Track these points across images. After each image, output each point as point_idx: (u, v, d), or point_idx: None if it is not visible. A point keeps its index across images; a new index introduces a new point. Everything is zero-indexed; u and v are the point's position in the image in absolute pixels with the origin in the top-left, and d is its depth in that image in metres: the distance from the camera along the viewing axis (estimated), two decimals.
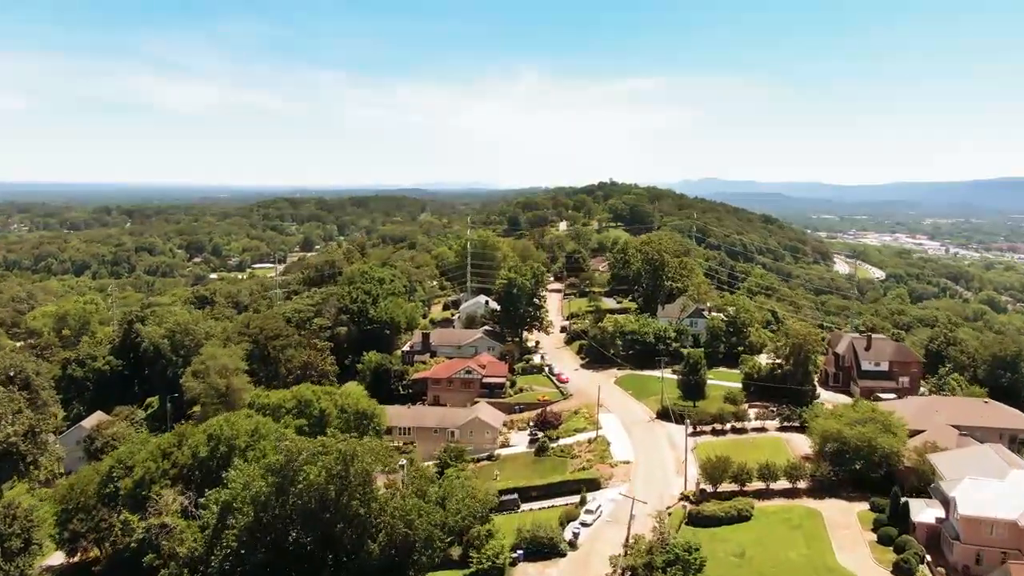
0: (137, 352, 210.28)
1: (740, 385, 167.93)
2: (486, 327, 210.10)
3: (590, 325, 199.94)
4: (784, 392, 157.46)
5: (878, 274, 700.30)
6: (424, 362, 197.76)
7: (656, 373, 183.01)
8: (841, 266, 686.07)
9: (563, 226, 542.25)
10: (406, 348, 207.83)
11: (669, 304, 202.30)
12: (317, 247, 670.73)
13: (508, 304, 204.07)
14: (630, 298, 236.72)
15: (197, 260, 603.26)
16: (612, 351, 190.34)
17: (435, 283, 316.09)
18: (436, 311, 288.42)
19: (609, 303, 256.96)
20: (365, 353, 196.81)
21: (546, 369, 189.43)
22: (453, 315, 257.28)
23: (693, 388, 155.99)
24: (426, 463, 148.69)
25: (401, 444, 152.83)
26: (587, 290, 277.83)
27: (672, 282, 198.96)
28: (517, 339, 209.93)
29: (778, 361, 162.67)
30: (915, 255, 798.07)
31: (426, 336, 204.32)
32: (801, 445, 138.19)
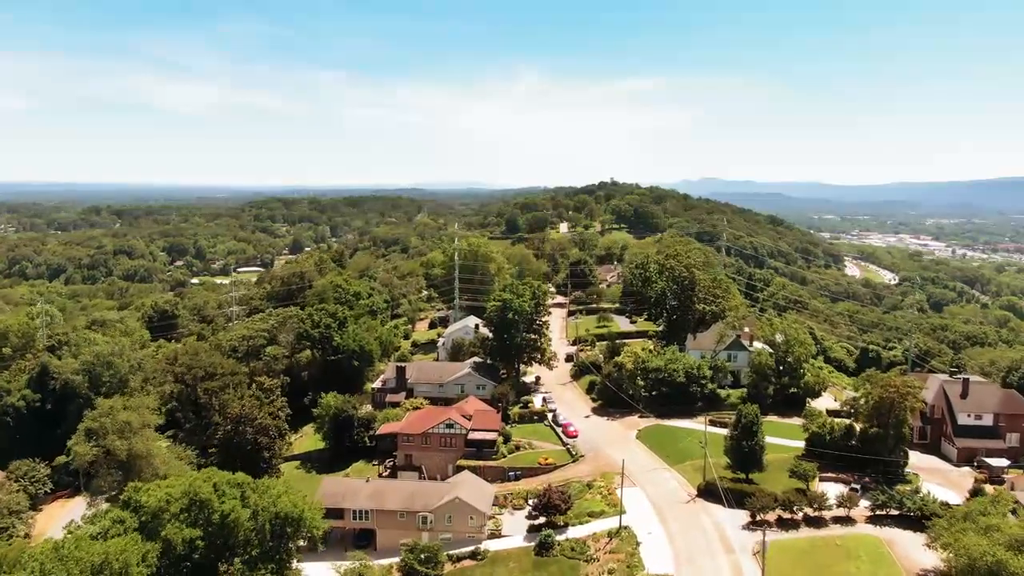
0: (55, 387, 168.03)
1: (802, 444, 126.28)
2: (475, 358, 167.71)
3: (603, 360, 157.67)
4: (864, 458, 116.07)
5: (887, 275, 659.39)
6: (397, 403, 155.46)
7: (688, 423, 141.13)
8: (851, 269, 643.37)
9: (563, 228, 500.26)
10: (377, 384, 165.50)
11: (701, 332, 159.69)
12: (307, 249, 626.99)
13: (502, 331, 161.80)
14: (646, 316, 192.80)
15: (179, 264, 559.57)
16: (631, 391, 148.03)
17: (425, 293, 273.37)
18: (421, 329, 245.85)
19: (620, 321, 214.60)
20: (324, 394, 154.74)
21: (549, 416, 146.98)
22: (439, 336, 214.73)
23: (747, 457, 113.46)
24: (387, 562, 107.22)
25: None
26: (595, 306, 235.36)
27: (704, 305, 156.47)
28: (513, 375, 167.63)
29: (846, 414, 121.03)
30: (925, 257, 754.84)
31: (401, 370, 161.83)
32: (909, 549, 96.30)
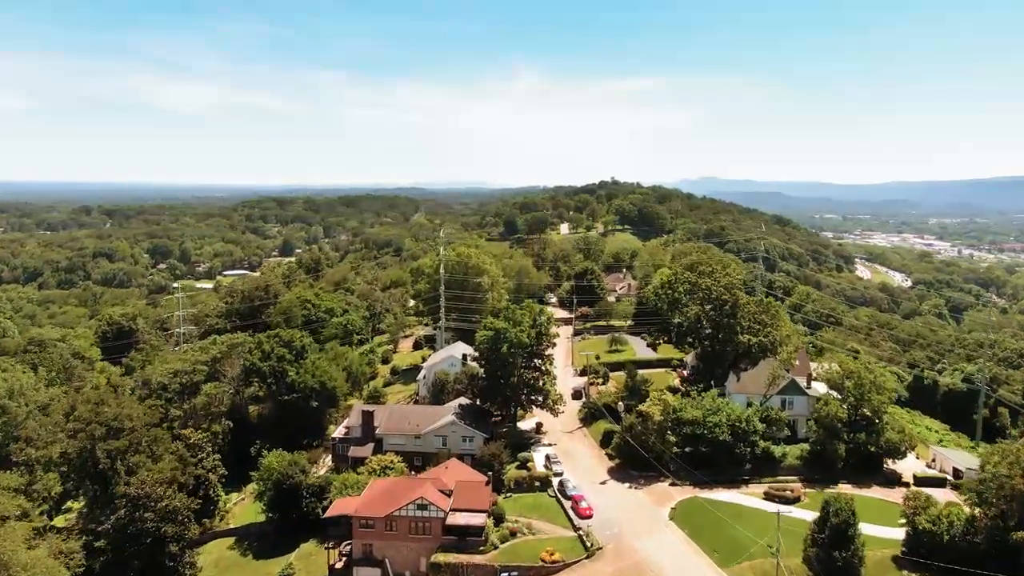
0: None
1: (894, 533, 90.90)
2: (462, 399, 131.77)
3: (621, 399, 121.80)
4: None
5: (896, 277, 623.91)
6: (363, 459, 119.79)
7: (735, 496, 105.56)
8: (861, 271, 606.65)
9: (564, 228, 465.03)
10: (339, 433, 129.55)
11: (744, 367, 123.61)
12: (298, 250, 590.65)
13: (495, 367, 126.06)
14: (665, 339, 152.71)
15: (162, 267, 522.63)
16: (659, 448, 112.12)
17: (413, 303, 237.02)
18: (406, 348, 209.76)
19: (636, 345, 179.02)
20: (266, 451, 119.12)
21: (555, 482, 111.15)
22: (423, 361, 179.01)
23: (839, 573, 77.62)
24: None
25: None
26: (605, 324, 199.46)
27: (749, 335, 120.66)
28: (508, 421, 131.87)
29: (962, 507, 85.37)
30: (936, 259, 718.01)
31: (367, 417, 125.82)
32: None
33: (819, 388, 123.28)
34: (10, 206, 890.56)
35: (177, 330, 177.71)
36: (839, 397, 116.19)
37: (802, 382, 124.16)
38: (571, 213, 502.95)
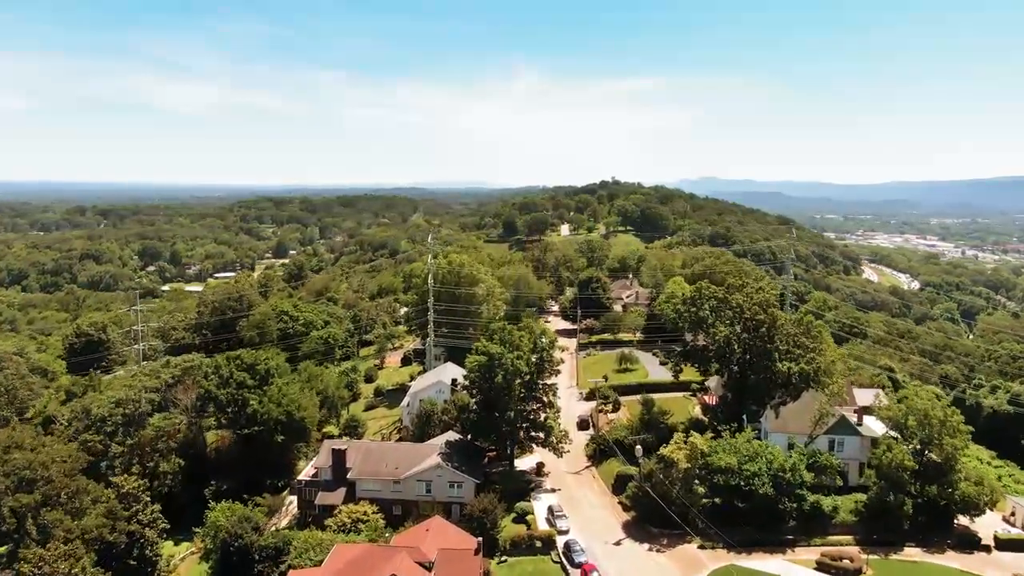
0: None
1: None
2: (450, 433, 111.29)
3: (640, 451, 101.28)
4: None
5: (902, 278, 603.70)
6: (333, 509, 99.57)
7: (780, 565, 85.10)
8: (867, 273, 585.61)
9: (565, 230, 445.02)
10: (306, 476, 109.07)
11: (784, 403, 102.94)
12: (292, 252, 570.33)
13: (489, 398, 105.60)
14: (689, 362, 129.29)
15: (151, 269, 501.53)
16: (687, 498, 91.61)
17: (404, 311, 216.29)
18: (393, 363, 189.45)
19: (647, 362, 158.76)
20: (213, 504, 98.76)
21: (560, 543, 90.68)
22: (411, 381, 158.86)
23: None
24: None
25: None
26: (612, 338, 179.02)
27: (789, 363, 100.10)
28: (504, 462, 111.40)
29: None
30: (942, 260, 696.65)
31: (338, 457, 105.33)
32: None
33: (872, 424, 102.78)
34: (4, 206, 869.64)
35: (136, 347, 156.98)
36: (894, 435, 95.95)
37: (850, 416, 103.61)
38: (572, 214, 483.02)
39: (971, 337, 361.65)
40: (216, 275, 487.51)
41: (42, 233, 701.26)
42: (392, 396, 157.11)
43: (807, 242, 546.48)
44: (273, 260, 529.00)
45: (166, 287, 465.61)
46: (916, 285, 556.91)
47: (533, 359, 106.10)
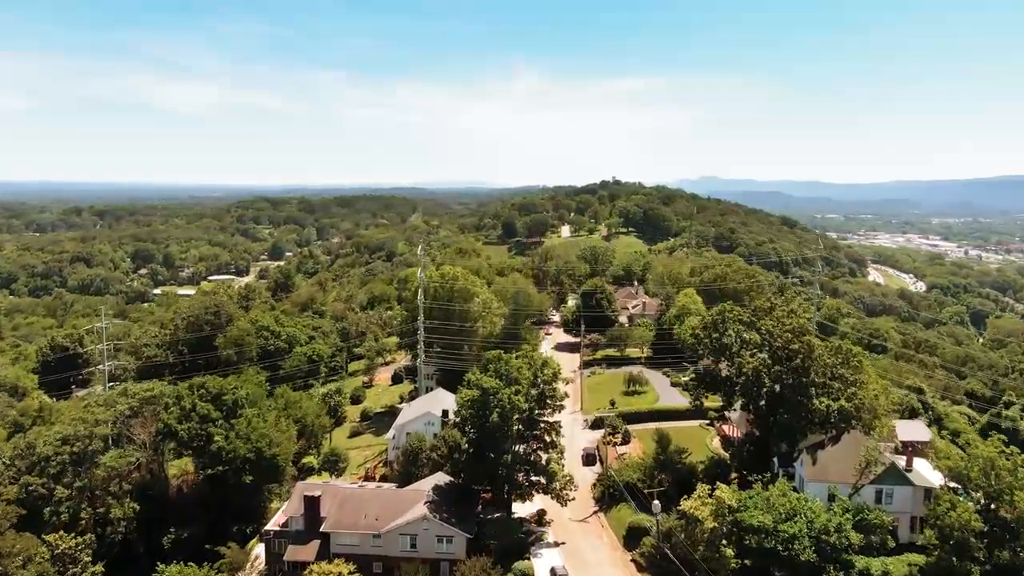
0: None
1: None
2: (440, 476, 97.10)
3: (658, 506, 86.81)
4: None
5: (907, 279, 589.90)
6: (305, 567, 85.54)
7: None
8: (873, 274, 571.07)
9: (565, 231, 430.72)
10: (276, 525, 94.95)
11: (822, 447, 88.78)
12: (288, 254, 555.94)
13: (481, 438, 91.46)
14: (701, 385, 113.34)
15: (143, 272, 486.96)
16: (714, 562, 77.51)
17: (397, 321, 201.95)
18: (383, 380, 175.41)
19: (657, 383, 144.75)
20: (162, 566, 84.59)
21: None
22: (401, 402, 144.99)
23: None
24: None
25: None
26: (620, 354, 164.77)
27: (827, 399, 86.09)
28: (502, 505, 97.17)
29: None
30: (947, 261, 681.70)
31: (311, 504, 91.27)
32: None
33: (922, 469, 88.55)
34: (1, 207, 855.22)
35: (100, 367, 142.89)
36: (953, 486, 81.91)
37: (896, 458, 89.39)
38: (572, 215, 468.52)
39: (982, 341, 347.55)
40: (210, 278, 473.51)
41: (37, 234, 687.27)
42: (380, 420, 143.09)
43: (810, 243, 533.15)
44: (269, 262, 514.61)
45: (158, 290, 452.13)
46: (922, 287, 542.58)
47: (533, 393, 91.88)
